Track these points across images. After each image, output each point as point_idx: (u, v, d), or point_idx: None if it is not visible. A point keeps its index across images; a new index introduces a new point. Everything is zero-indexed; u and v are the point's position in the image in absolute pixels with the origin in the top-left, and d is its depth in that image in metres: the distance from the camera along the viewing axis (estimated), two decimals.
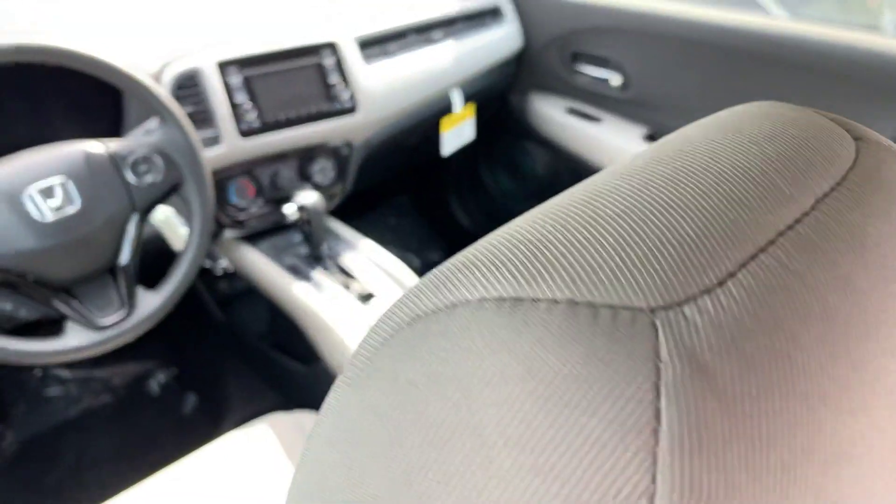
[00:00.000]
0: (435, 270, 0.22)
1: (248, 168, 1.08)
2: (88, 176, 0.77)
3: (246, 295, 1.27)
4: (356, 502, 0.22)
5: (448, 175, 1.85)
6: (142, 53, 0.94)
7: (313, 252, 1.11)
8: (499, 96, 1.53)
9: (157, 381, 1.44)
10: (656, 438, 0.16)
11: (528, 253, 0.20)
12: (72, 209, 0.76)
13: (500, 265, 0.20)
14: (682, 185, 0.21)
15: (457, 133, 1.39)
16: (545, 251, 0.20)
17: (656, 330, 0.17)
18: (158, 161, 0.83)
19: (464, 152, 1.48)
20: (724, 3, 1.13)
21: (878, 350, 0.21)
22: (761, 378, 0.18)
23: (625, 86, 1.29)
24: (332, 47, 1.09)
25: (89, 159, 0.78)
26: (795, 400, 0.18)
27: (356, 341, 0.98)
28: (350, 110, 1.11)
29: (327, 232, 1.17)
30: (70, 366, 1.41)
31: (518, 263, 0.20)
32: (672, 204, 0.21)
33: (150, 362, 1.45)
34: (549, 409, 0.17)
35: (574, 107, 1.43)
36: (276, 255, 1.13)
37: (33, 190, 0.74)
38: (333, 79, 1.08)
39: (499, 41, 1.36)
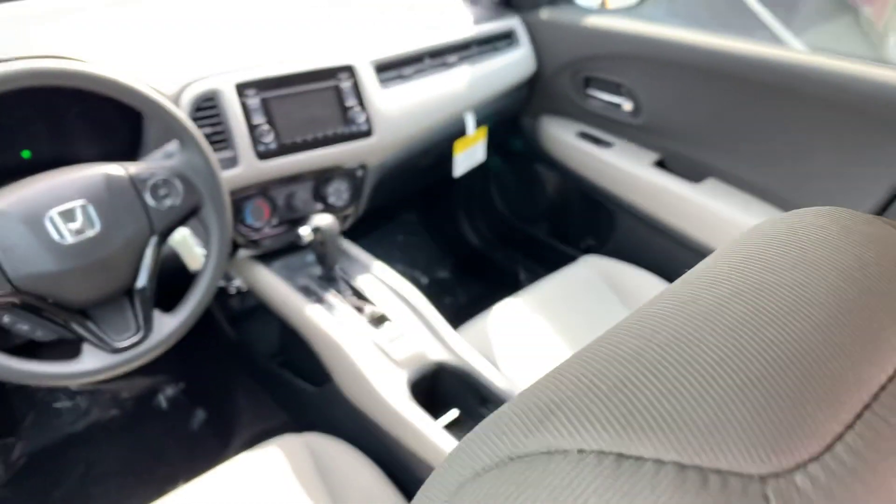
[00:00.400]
0: (521, 405, 0.21)
1: (264, 189, 1.09)
2: (108, 199, 0.78)
3: (257, 313, 1.28)
4: None
5: (457, 194, 1.85)
6: (161, 75, 0.95)
7: (326, 273, 1.12)
8: (511, 119, 1.54)
9: (166, 395, 1.44)
10: None
11: (624, 399, 0.19)
12: (92, 232, 0.77)
13: (596, 411, 0.19)
14: (776, 328, 0.21)
15: (469, 155, 1.40)
16: (642, 398, 0.19)
17: (768, 501, 0.17)
18: (178, 185, 0.83)
19: (474, 172, 1.49)
20: (734, 29, 1.13)
21: None
22: None
23: (636, 111, 1.29)
24: (349, 70, 1.09)
25: (110, 182, 0.79)
26: None
27: (368, 364, 0.98)
28: (366, 133, 1.11)
29: (341, 253, 1.17)
30: None
31: (616, 411, 0.19)
32: (770, 352, 0.20)
33: (159, 376, 1.45)
34: None
35: (585, 131, 1.44)
36: (289, 276, 1.14)
37: (54, 213, 0.74)
38: (350, 102, 1.09)
39: (512, 65, 1.37)
